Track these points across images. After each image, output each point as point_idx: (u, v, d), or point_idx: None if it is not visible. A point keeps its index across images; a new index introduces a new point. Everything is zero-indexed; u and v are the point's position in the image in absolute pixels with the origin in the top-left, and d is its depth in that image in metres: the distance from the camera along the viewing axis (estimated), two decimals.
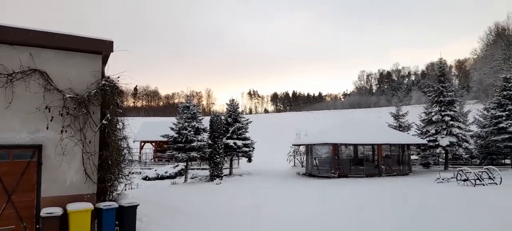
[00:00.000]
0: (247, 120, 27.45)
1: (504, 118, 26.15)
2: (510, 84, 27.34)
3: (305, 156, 30.11)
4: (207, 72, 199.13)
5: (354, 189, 16.91)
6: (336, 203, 13.05)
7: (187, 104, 23.18)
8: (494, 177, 17.65)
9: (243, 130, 26.36)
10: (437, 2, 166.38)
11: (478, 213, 10.32)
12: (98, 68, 8.62)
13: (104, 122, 8.46)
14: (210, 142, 22.90)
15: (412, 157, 31.22)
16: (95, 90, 8.33)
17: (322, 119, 76.40)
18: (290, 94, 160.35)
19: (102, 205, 8.12)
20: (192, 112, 22.82)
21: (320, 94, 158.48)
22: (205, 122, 24.16)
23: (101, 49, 8.56)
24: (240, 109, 27.90)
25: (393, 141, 25.06)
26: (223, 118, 26.00)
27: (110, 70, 9.42)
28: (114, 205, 8.28)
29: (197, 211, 11.75)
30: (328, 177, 23.23)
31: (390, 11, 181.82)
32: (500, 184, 16.84)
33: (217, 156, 22.79)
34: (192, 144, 21.75)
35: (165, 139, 23.68)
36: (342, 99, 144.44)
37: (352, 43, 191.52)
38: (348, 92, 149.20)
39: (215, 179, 22.19)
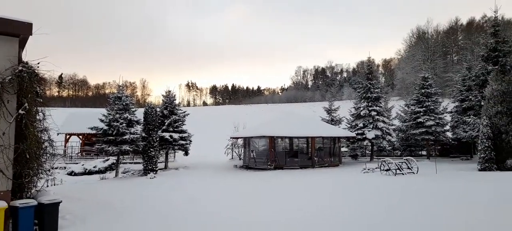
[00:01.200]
0: (184, 112, 26.84)
1: (421, 113, 28.97)
2: (427, 83, 30.34)
3: (242, 148, 30.39)
4: (142, 63, 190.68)
5: (288, 180, 17.49)
6: (270, 193, 13.37)
7: (118, 95, 21.91)
8: (412, 167, 19.48)
9: (180, 122, 25.73)
10: (368, 4, 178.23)
11: (397, 198, 11.31)
12: (14, 53, 7.76)
13: (20, 111, 7.63)
14: (144, 135, 21.96)
15: (342, 149, 33.23)
16: (10, 77, 7.50)
17: (260, 112, 77.75)
18: (229, 88, 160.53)
19: (18, 203, 7.32)
20: (124, 103, 21.63)
21: (259, 88, 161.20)
22: (139, 113, 23.07)
23: (18, 31, 7.69)
24: (177, 101, 27.15)
25: (326, 134, 26.38)
26: (158, 109, 25.09)
27: (31, 56, 8.52)
28: (33, 202, 7.51)
29: (129, 206, 11.18)
30: (264, 169, 23.71)
31: (326, 9, 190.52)
32: (417, 173, 18.64)
33: (151, 149, 21.94)
34: (124, 137, 20.66)
35: (94, 132, 22.15)
36: (280, 93, 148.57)
37: (291, 39, 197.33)
38: (286, 87, 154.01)
39: (149, 173, 21.37)
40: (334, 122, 34.21)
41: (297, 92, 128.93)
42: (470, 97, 26.48)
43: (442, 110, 30.14)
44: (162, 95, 26.67)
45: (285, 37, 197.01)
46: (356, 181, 16.47)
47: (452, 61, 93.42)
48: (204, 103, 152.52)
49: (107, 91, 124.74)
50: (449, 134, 29.89)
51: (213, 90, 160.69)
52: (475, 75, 26.57)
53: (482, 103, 21.88)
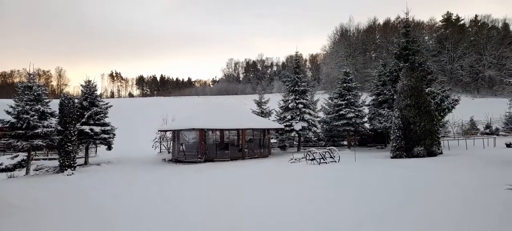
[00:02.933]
0: (107, 103, 25.05)
1: (343, 106, 30.99)
2: (349, 78, 32.50)
3: (171, 142, 29.46)
4: (59, 50, 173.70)
5: (218, 172, 17.39)
6: (198, 187, 13.14)
7: (29, 84, 19.59)
8: (334, 156, 20.77)
9: (102, 114, 23.95)
10: (298, 1, 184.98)
11: (317, 184, 11.95)
12: None
13: None
14: (60, 128, 20.00)
15: (272, 140, 34.12)
16: None
17: (190, 104, 76.22)
18: (158, 78, 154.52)
19: None
20: (36, 93, 19.41)
21: (189, 79, 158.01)
22: (54, 105, 20.92)
23: None
24: (98, 92, 25.18)
25: (256, 126, 26.79)
26: (77, 101, 23.05)
27: None
28: None
29: (40, 207, 10.07)
30: (194, 162, 23.29)
31: (257, 3, 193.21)
32: (338, 161, 19.92)
33: (68, 144, 20.08)
34: (36, 131, 18.58)
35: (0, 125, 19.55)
36: (211, 85, 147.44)
37: (222, 31, 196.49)
38: (217, 79, 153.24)
39: (67, 169, 19.56)
40: (264, 114, 34.91)
41: (229, 84, 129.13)
42: (385, 91, 29.00)
43: (361, 103, 32.59)
44: (81, 85, 24.51)
45: (216, 28, 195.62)
46: (283, 170, 17.03)
47: (371, 58, 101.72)
48: (130, 95, 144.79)
49: (16, 80, 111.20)
50: (367, 125, 32.48)
51: (140, 81, 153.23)
52: (389, 72, 29.15)
53: (395, 97, 24.09)
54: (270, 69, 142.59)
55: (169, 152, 30.75)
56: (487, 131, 43.79)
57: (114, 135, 24.63)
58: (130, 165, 23.19)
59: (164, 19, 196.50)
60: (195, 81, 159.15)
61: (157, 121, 37.48)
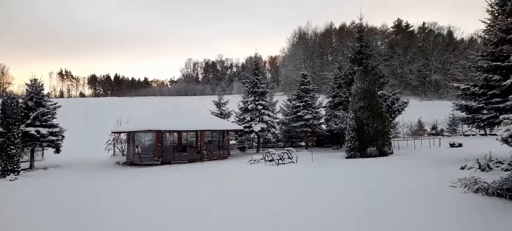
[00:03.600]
0: (55, 104, 23.54)
1: (301, 108, 31.59)
2: (306, 80, 33.22)
3: (126, 144, 28.31)
4: (1, 45, 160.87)
5: (173, 175, 16.95)
6: (147, 192, 12.70)
7: None
8: (292, 157, 21.07)
9: (50, 115, 22.45)
10: (258, 3, 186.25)
11: (274, 183, 12.04)
12: None
13: None
14: (2, 130, 18.45)
15: (231, 142, 33.96)
16: None
17: (147, 105, 73.93)
18: (112, 78, 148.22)
19: None
20: None
21: (146, 79, 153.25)
22: None
23: None
24: (46, 91, 23.56)
25: (215, 127, 26.51)
26: (21, 101, 21.41)
27: None
28: None
29: None
30: (150, 164, 22.56)
31: (217, 3, 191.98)
32: (296, 162, 20.23)
33: (11, 147, 18.56)
34: None
35: None
36: (169, 86, 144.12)
37: (181, 30, 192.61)
38: (175, 79, 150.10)
39: (9, 174, 18.06)
40: (223, 115, 34.67)
41: (187, 85, 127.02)
42: (340, 93, 29.95)
43: (318, 105, 33.42)
44: (26, 84, 22.81)
45: (174, 27, 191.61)
46: (242, 171, 16.98)
47: (328, 61, 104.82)
48: (82, 95, 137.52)
49: None
50: (323, 126, 33.36)
51: (93, 80, 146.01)
52: (344, 74, 30.17)
53: (350, 99, 24.96)
54: (229, 70, 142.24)
55: (123, 155, 29.55)
56: (433, 131, 46.83)
57: (63, 137, 23.20)
58: (80, 168, 21.95)
59: (119, 15, 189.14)
60: (152, 81, 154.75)
61: (110, 122, 35.90)
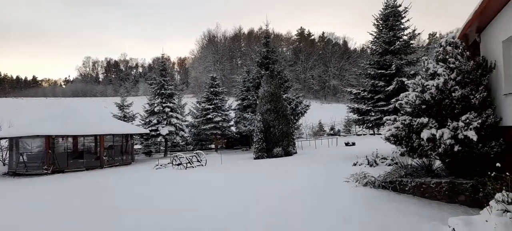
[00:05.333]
0: None
1: (211, 110, 31.46)
2: (216, 82, 33.22)
3: (8, 151, 24.40)
4: None
5: (63, 184, 15.13)
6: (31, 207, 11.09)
7: None
8: (201, 160, 20.74)
9: None
10: (164, 2, 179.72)
11: (178, 188, 11.63)
12: None
13: None
14: None
15: (136, 146, 32.03)
16: None
17: (35, 107, 65.27)
18: None
19: None
20: None
21: (35, 78, 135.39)
22: None
23: None
24: None
25: (117, 131, 24.61)
26: None
27: None
28: None
29: None
30: (39, 174, 19.86)
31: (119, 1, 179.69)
32: (205, 165, 19.95)
33: None
34: None
35: None
36: (64, 86, 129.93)
37: (77, 25, 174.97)
38: (71, 79, 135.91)
39: None
40: (127, 118, 32.50)
41: (86, 85, 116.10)
42: (249, 96, 30.70)
43: (228, 107, 33.71)
44: None
45: (70, 22, 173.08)
46: (146, 177, 16.02)
47: (237, 65, 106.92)
48: None
49: None
50: (233, 128, 33.77)
51: None
52: (252, 78, 31.02)
53: (257, 102, 25.71)
54: (135, 71, 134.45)
55: (4, 164, 25.48)
56: (332, 132, 51.33)
57: None
58: None
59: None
60: (42, 80, 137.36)
61: None
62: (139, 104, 37.43)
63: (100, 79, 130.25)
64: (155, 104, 29.37)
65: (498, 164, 6.04)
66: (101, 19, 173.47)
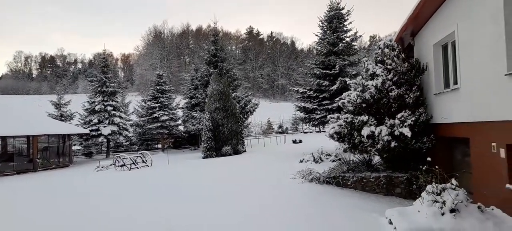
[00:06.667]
0: None
1: (157, 109, 30.43)
2: (162, 80, 32.21)
3: None
4: None
5: None
6: None
7: None
8: (146, 160, 19.96)
9: None
10: None
11: (122, 188, 11.08)
12: None
13: None
14: None
15: (75, 148, 30.02)
16: None
17: None
18: None
19: None
20: None
21: None
22: None
23: None
24: None
25: (53, 132, 22.83)
26: None
27: None
28: None
29: None
30: None
31: None
32: (151, 166, 19.23)
33: None
34: None
35: None
36: None
37: (7, 18, 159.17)
38: (0, 75, 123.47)
39: None
40: (64, 117, 30.30)
41: (18, 82, 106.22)
42: (197, 95, 30.19)
43: (175, 106, 32.86)
44: None
45: None
46: (85, 180, 15.03)
47: (185, 62, 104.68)
48: None
49: None
50: (181, 128, 33.01)
51: None
52: (201, 76, 30.53)
53: (206, 100, 25.36)
54: (74, 67, 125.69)
55: None
56: (280, 130, 52.39)
57: None
58: None
59: None
60: None
61: None
62: (78, 102, 35.03)
63: (33, 76, 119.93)
64: (96, 103, 27.70)
65: (429, 158, 6.51)
66: (35, 11, 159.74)
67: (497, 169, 5.96)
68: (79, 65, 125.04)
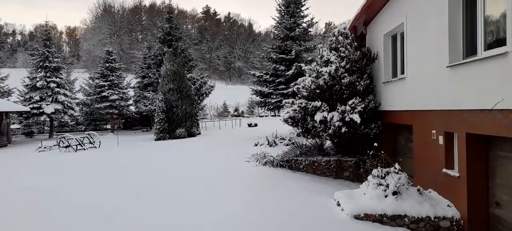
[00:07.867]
0: None
1: (106, 88, 28.90)
2: (112, 57, 30.53)
3: None
4: None
5: None
6: None
7: None
8: (94, 142, 19.00)
9: None
10: None
11: (67, 174, 10.50)
12: None
13: None
14: None
15: (14, 126, 27.78)
16: None
17: None
18: None
19: None
20: None
21: None
22: None
23: None
24: None
25: None
26: None
27: None
28: None
29: None
30: None
31: None
32: (99, 147, 18.35)
33: None
34: None
35: None
36: None
37: None
38: None
39: None
40: (1, 93, 27.70)
41: None
42: (150, 74, 29.06)
43: (126, 85, 31.41)
44: None
45: None
46: (27, 162, 13.99)
47: (137, 39, 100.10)
48: None
49: None
50: (132, 108, 31.71)
51: None
52: (154, 55, 29.37)
53: (159, 80, 24.52)
54: (12, 38, 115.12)
55: None
56: (236, 113, 52.41)
57: None
58: None
59: None
60: None
61: None
62: (17, 77, 32.19)
63: None
64: (38, 79, 25.63)
65: (375, 144, 6.85)
66: None
67: (435, 154, 6.42)
68: (18, 37, 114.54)
